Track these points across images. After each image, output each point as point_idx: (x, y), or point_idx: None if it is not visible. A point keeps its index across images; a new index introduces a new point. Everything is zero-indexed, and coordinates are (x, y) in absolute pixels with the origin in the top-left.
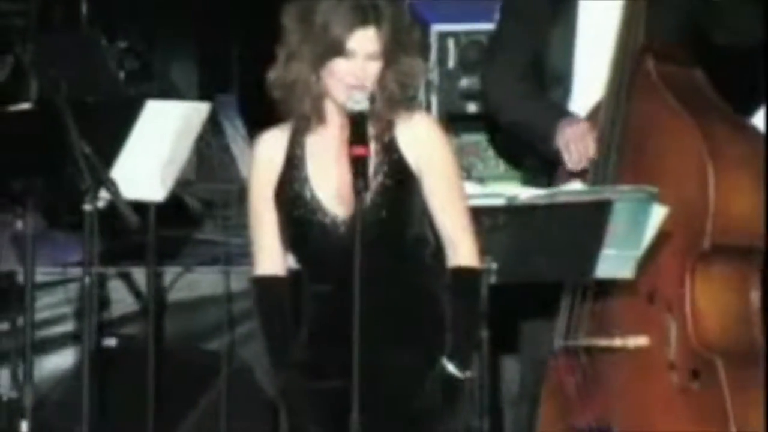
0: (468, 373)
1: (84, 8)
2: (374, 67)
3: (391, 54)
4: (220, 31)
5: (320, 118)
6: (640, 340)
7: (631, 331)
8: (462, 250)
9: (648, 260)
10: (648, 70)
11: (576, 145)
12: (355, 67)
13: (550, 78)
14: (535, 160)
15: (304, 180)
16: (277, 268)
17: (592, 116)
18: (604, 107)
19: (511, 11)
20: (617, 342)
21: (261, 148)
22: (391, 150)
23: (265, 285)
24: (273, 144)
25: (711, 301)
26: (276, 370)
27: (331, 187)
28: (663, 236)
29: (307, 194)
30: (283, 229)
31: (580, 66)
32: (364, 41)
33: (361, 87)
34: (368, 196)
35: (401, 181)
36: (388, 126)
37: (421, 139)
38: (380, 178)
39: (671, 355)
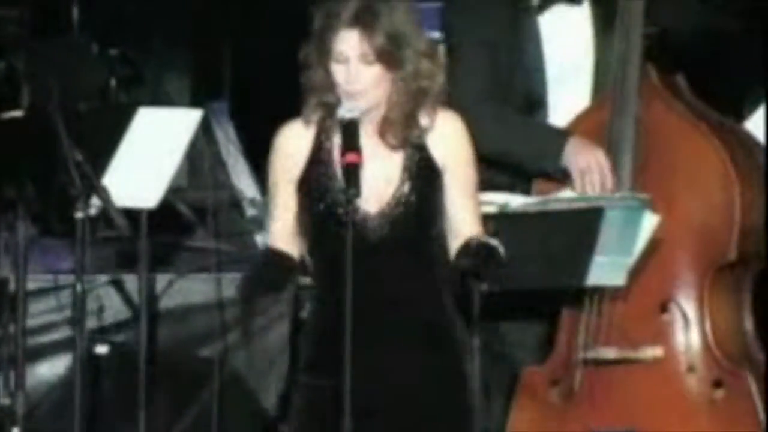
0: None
1: (75, 15)
2: (368, 72)
3: (391, 59)
4: (212, 39)
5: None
6: (656, 351)
7: (643, 341)
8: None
9: (659, 270)
10: (651, 78)
11: (591, 177)
12: (347, 72)
13: (527, 100)
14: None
15: (333, 175)
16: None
17: (585, 118)
18: (613, 115)
19: (465, 33)
20: (637, 354)
21: (283, 141)
22: (420, 149)
23: (274, 252)
24: (297, 137)
25: (728, 310)
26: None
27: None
28: (678, 246)
29: (335, 189)
30: (306, 224)
31: (554, 82)
32: (350, 44)
33: (355, 92)
34: (399, 194)
35: (429, 179)
36: (409, 126)
37: (447, 137)
38: (409, 176)
39: (687, 364)
